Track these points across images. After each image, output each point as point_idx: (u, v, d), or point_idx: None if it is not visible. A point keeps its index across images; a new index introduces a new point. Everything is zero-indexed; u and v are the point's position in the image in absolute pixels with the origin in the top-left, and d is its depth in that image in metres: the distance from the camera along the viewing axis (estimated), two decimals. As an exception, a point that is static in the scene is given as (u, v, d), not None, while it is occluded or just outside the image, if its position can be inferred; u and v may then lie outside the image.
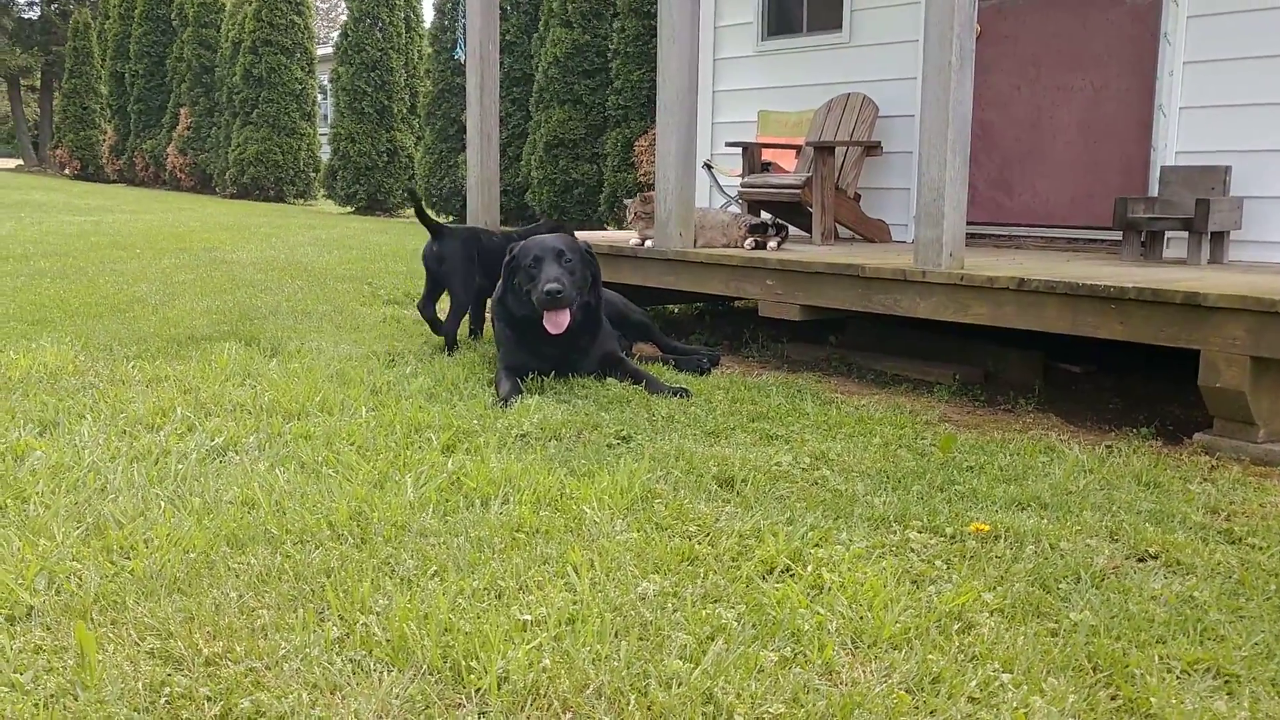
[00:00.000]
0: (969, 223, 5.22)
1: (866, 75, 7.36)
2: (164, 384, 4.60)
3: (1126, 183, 6.21)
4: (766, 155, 7.57)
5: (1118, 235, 5.90)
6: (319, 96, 24.86)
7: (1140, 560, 2.91)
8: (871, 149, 7.14)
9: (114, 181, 27.89)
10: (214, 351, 5.24)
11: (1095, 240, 6.45)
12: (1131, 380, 5.44)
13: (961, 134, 4.81)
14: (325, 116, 25.42)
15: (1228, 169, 5.57)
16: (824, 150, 6.62)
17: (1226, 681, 2.23)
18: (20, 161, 38.21)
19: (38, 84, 44.00)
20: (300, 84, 23.11)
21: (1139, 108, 6.18)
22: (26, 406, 4.12)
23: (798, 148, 7.43)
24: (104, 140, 29.00)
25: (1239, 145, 5.68)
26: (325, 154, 22.60)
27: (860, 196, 7.21)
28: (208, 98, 24.86)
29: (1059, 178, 6.67)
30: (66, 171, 30.04)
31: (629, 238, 6.56)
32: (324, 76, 24.55)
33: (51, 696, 2.04)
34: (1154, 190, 5.95)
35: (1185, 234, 5.52)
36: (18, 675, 2.10)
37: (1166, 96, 6.00)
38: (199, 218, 15.45)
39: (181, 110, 25.42)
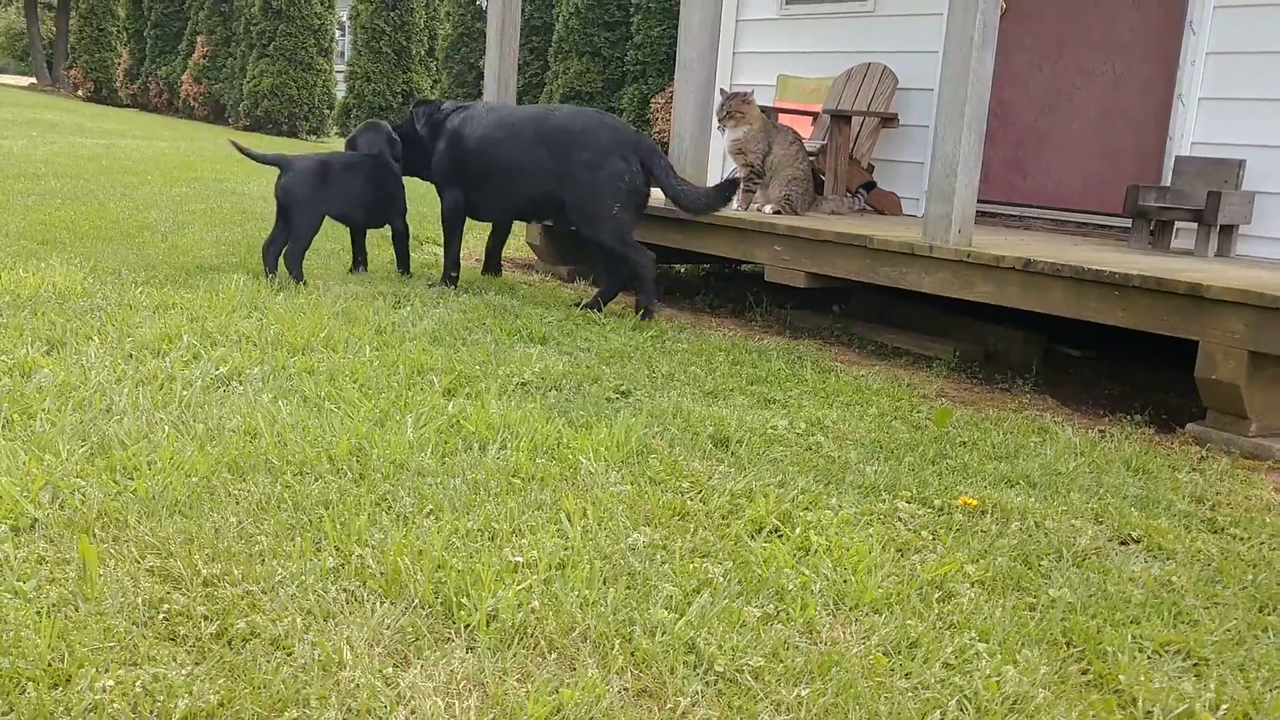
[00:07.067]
0: (980, 201, 5.23)
1: (888, 46, 7.32)
2: (171, 311, 4.63)
3: (1140, 170, 6.20)
4: (783, 120, 7.54)
5: (1127, 223, 5.90)
6: (337, 33, 24.68)
7: (1123, 543, 2.97)
8: (888, 120, 7.11)
9: (127, 106, 27.72)
10: (222, 282, 5.27)
11: (1105, 226, 6.45)
12: (1130, 368, 5.48)
13: (979, 110, 4.81)
14: (343, 54, 25.25)
15: (1242, 163, 5.56)
16: (840, 119, 6.60)
17: (1196, 664, 2.29)
18: (34, 80, 37.91)
19: (55, 2, 43.61)
20: (319, 19, 22.91)
21: (1158, 95, 6.15)
22: (35, 325, 4.16)
23: (815, 114, 7.40)
24: (119, 64, 28.77)
25: (1256, 140, 5.66)
26: (340, 91, 22.48)
27: (874, 168, 7.20)
28: (225, 27, 24.66)
29: (1073, 161, 6.66)
30: (79, 93, 29.81)
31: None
32: (344, 13, 24.36)
33: (53, 605, 2.09)
34: (1167, 180, 5.94)
35: (1195, 225, 5.53)
36: (20, 583, 2.16)
37: (1187, 86, 5.97)
38: (211, 148, 15.38)
39: (198, 38, 25.23)
